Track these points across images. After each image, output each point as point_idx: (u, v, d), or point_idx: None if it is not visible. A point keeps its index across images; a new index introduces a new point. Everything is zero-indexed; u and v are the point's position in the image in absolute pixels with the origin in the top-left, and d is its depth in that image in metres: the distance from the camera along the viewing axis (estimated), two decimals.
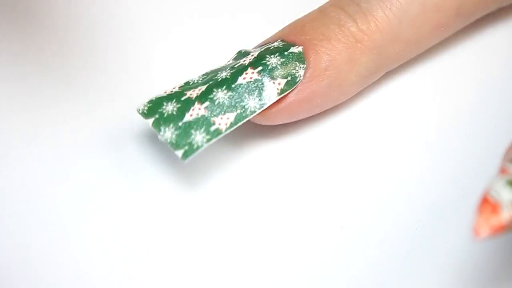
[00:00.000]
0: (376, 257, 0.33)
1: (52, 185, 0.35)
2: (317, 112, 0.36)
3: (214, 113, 0.33)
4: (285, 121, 0.35)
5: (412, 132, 0.37)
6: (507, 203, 0.26)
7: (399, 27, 0.36)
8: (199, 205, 0.34)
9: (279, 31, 0.36)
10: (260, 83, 0.34)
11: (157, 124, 0.33)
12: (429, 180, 0.35)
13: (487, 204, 0.26)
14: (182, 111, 0.33)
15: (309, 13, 0.37)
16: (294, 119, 0.36)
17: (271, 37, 0.36)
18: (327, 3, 0.37)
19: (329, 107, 0.36)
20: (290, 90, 0.34)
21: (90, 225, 0.34)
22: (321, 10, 0.36)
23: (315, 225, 0.34)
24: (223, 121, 0.33)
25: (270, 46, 0.35)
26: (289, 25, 0.36)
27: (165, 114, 0.33)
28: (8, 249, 0.33)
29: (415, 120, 0.37)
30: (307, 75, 0.35)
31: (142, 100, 0.34)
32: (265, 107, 0.34)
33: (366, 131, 0.37)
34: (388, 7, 0.35)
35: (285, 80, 0.34)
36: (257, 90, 0.34)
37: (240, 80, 0.34)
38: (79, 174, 0.35)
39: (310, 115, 0.36)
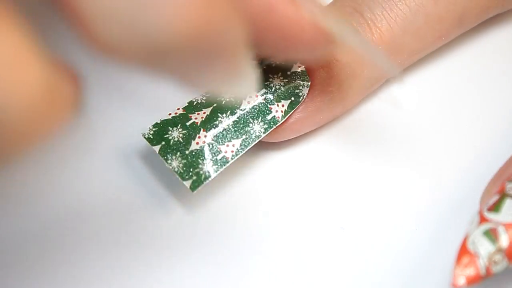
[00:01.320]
0: (376, 258, 0.33)
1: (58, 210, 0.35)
2: (319, 125, 0.36)
3: (220, 141, 0.33)
4: (289, 138, 0.35)
5: (411, 134, 0.37)
6: (484, 254, 0.27)
7: (402, 39, 0.35)
8: (205, 218, 0.34)
9: None
10: (264, 107, 0.33)
11: (164, 152, 0.33)
12: (429, 182, 0.35)
13: (465, 254, 0.27)
14: (188, 138, 0.33)
15: None
16: (297, 135, 0.35)
17: None
18: (328, 8, 0.35)
19: (331, 120, 0.36)
20: (294, 109, 0.34)
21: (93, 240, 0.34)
22: None
23: (317, 227, 0.34)
24: (229, 149, 0.33)
25: (271, 62, 0.34)
26: None
27: (171, 141, 0.33)
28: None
29: (415, 122, 0.37)
30: (310, 93, 0.34)
31: (147, 124, 0.34)
32: (270, 130, 0.34)
33: (365, 135, 0.37)
34: (393, 18, 0.35)
35: (289, 101, 0.34)
36: (261, 114, 0.33)
37: (245, 104, 0.33)
38: (85, 186, 0.35)
39: (312, 129, 0.36)
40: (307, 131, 0.36)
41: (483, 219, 0.28)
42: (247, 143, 0.33)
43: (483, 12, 0.37)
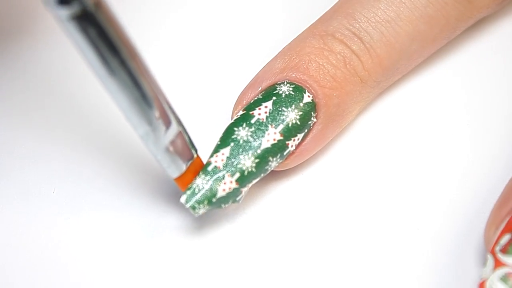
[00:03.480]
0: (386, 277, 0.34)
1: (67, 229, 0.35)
2: (328, 141, 0.37)
3: (243, 184, 0.33)
4: (300, 162, 0.36)
5: (412, 136, 0.37)
6: None
7: (398, 63, 0.36)
8: (206, 248, 0.35)
9: (280, 60, 0.35)
10: (283, 143, 0.34)
11: (193, 207, 0.33)
12: (432, 183, 0.36)
13: None
14: (214, 186, 0.33)
15: (308, 39, 0.36)
16: (308, 157, 0.36)
17: (272, 67, 0.35)
18: (325, 28, 0.36)
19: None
20: (303, 139, 0.34)
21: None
22: (323, 39, 0.35)
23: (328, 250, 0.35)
24: (247, 188, 0.33)
25: (280, 91, 0.34)
26: (290, 56, 0.35)
27: (198, 192, 0.33)
28: None
29: (416, 123, 0.38)
30: (319, 122, 0.35)
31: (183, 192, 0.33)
32: (282, 161, 0.34)
33: (369, 141, 0.37)
34: (392, 44, 0.35)
35: (303, 134, 0.34)
36: (280, 151, 0.34)
37: (264, 143, 0.33)
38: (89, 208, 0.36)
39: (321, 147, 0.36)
40: (317, 150, 0.36)
41: (498, 263, 0.28)
42: (261, 177, 0.34)
43: (471, 23, 0.38)
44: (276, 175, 0.36)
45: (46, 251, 0.34)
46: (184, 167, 0.33)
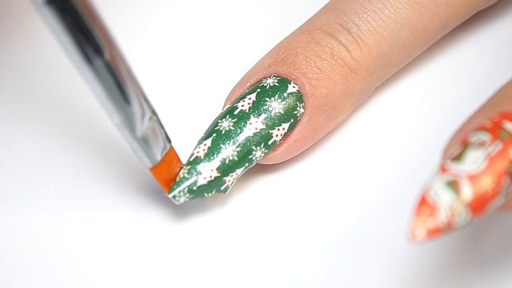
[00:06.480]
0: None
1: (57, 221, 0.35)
2: (315, 142, 0.36)
3: (226, 173, 0.33)
4: (286, 159, 0.36)
5: (407, 136, 0.37)
6: (445, 205, 0.26)
7: (390, 52, 0.36)
8: (194, 238, 0.35)
9: (268, 56, 0.36)
10: (266, 132, 0.34)
11: (171, 190, 0.33)
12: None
13: (425, 205, 0.26)
14: (194, 174, 0.33)
15: (297, 35, 0.36)
16: (294, 155, 0.36)
17: (261, 64, 0.36)
18: (313, 24, 0.36)
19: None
20: (292, 130, 0.35)
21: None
22: (311, 34, 0.36)
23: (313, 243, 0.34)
24: (232, 178, 0.34)
25: (265, 83, 0.35)
26: (278, 51, 0.36)
27: (180, 181, 0.33)
28: None
29: (412, 123, 0.37)
30: (306, 112, 0.35)
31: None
32: (268, 152, 0.34)
33: (361, 141, 0.37)
34: (380, 33, 0.35)
35: (288, 123, 0.34)
36: (263, 141, 0.34)
37: (246, 131, 0.34)
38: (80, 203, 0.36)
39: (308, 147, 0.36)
40: (303, 150, 0.36)
41: (444, 169, 0.26)
42: (247, 167, 0.34)
43: (465, 16, 0.38)
44: (268, 168, 0.36)
45: (46, 251, 0.34)
46: (159, 157, 0.33)
